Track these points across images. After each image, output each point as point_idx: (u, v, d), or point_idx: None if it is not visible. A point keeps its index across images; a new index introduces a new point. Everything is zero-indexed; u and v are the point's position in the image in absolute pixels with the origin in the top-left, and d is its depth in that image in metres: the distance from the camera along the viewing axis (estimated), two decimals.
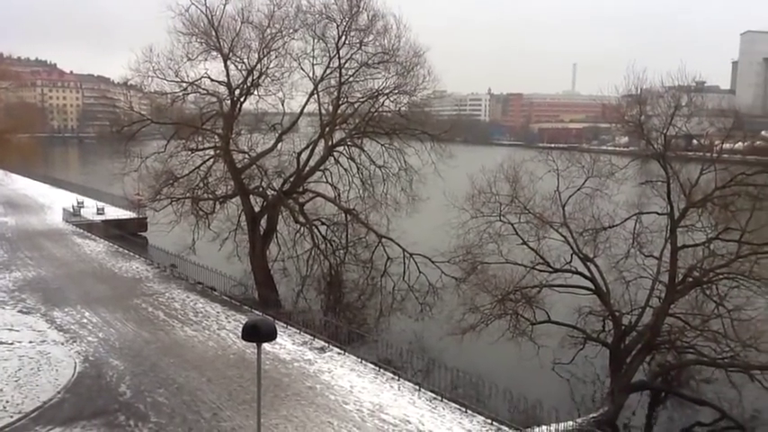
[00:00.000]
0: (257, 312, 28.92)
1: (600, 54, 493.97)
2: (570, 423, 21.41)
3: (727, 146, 26.80)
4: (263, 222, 38.82)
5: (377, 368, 23.44)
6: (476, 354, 27.54)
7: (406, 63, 37.05)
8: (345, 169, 39.65)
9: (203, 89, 37.70)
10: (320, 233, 39.03)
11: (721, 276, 24.41)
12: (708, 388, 25.63)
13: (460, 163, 39.12)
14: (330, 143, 38.34)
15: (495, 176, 28.46)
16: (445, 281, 32.21)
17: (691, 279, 24.75)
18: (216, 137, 38.12)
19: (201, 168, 38.35)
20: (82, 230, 49.60)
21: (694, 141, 33.22)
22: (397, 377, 22.69)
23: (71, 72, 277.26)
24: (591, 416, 23.15)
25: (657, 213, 26.25)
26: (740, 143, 30.74)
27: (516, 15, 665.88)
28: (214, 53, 36.57)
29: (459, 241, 28.53)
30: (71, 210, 56.83)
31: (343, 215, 38.61)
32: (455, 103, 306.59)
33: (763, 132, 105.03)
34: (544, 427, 20.28)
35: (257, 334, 11.27)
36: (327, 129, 38.00)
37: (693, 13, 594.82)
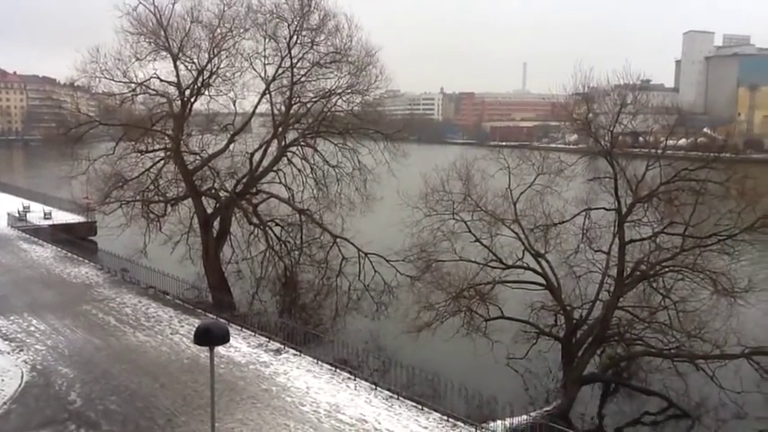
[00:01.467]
0: (211, 316, 28.54)
1: (549, 53, 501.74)
2: (524, 417, 21.75)
3: (671, 142, 27.61)
4: (216, 224, 38.38)
5: (333, 368, 23.40)
6: (431, 351, 27.74)
7: (359, 63, 37.06)
8: (299, 169, 39.45)
9: (153, 90, 37.07)
10: (274, 234, 38.77)
11: (667, 269, 25.18)
12: (656, 378, 26.33)
13: (414, 162, 39.37)
14: (283, 143, 38.12)
15: (448, 175, 28.72)
16: (400, 279, 32.36)
17: (638, 273, 25.45)
18: (166, 138, 37.51)
19: (152, 170, 37.71)
20: (28, 236, 48.14)
21: (640, 138, 34.14)
22: (353, 377, 22.69)
23: (14, 73, 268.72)
24: (545, 409, 23.62)
25: (605, 209, 26.89)
26: (684, 140, 31.68)
27: (466, 15, 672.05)
28: (163, 53, 35.99)
29: (413, 240, 28.72)
30: (16, 214, 55.12)
31: (298, 216, 38.42)
32: (408, 102, 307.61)
33: (705, 129, 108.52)
34: (499, 422, 20.58)
35: (210, 337, 11.17)
36: (280, 129, 37.78)
37: (639, 13, 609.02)
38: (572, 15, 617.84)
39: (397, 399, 21.14)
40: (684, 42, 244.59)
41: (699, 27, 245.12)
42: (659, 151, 26.63)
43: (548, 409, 23.68)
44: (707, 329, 24.15)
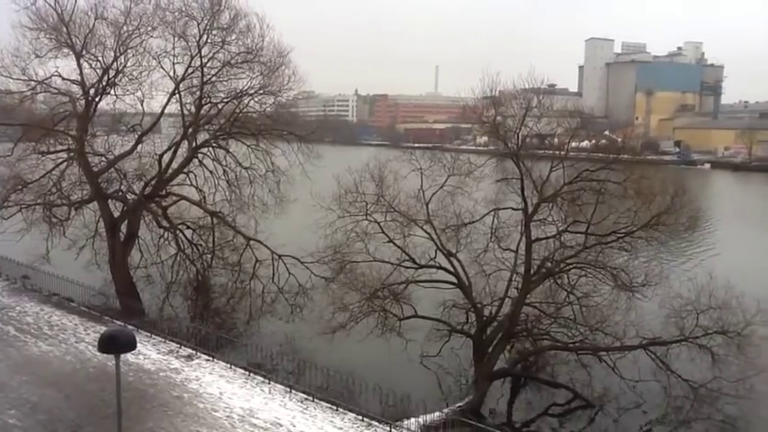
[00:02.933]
0: (118, 322, 27.63)
1: (459, 57, 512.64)
2: (437, 414, 22.22)
3: (574, 144, 28.84)
4: (124, 228, 37.09)
5: (247, 373, 23.16)
6: (347, 352, 27.90)
7: (271, 63, 36.69)
8: (211, 171, 38.66)
9: (54, 88, 35.35)
10: (185, 237, 37.84)
11: (571, 266, 26.28)
12: (562, 370, 27.47)
13: (328, 163, 39.39)
14: (194, 144, 37.24)
15: (362, 176, 28.94)
16: (315, 281, 32.28)
17: (544, 270, 26.44)
18: (69, 139, 35.93)
19: (54, 172, 35.99)
20: None
21: (546, 141, 35.43)
22: (267, 380, 22.55)
23: None
24: (457, 405, 24.17)
25: (513, 209, 27.73)
26: (586, 142, 33.15)
27: (381, 18, 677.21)
28: (65, 50, 34.41)
29: (327, 241, 28.75)
30: None
31: (210, 218, 37.64)
32: (322, 103, 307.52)
33: (606, 132, 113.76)
34: (413, 420, 20.95)
35: (115, 345, 10.88)
36: (190, 130, 36.90)
37: (543, 20, 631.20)
38: (481, 21, 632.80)
39: (313, 401, 21.18)
40: (586, 49, 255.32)
41: (598, 35, 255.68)
42: (563, 153, 27.69)
43: (460, 404, 24.25)
44: (608, 323, 25.38)
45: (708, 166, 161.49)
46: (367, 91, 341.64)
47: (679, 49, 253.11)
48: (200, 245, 38.38)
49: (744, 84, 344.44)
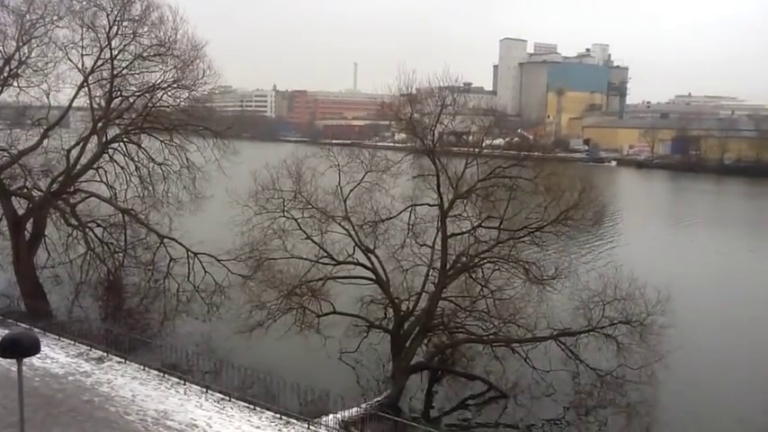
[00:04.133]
0: (23, 325, 26.40)
1: (378, 54, 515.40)
2: (356, 409, 22.39)
3: (490, 142, 29.58)
4: (29, 226, 35.40)
5: (161, 374, 22.66)
6: (265, 350, 27.66)
7: (185, 57, 35.80)
8: (122, 167, 37.40)
9: None
10: (95, 236, 36.43)
11: (485, 261, 26.98)
12: (477, 363, 28.14)
13: (245, 159, 38.82)
14: (104, 139, 35.95)
15: (279, 173, 28.68)
16: (232, 279, 31.77)
17: (459, 264, 27.02)
18: None
19: None
20: None
21: (463, 138, 36.13)
22: (183, 381, 22.14)
23: None
24: (375, 400, 24.40)
25: (429, 205, 28.19)
26: (500, 140, 34.03)
27: (300, 13, 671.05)
28: None
29: (244, 238, 28.37)
30: None
31: (121, 216, 36.42)
32: (240, 98, 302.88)
33: (519, 130, 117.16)
34: (331, 416, 21.05)
35: (17, 348, 10.41)
36: (100, 124, 35.56)
37: (462, 19, 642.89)
38: (399, 18, 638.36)
39: (230, 401, 20.95)
40: (501, 49, 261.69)
41: (511, 35, 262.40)
42: (477, 150, 28.32)
43: (378, 399, 24.49)
44: (521, 315, 26.21)
45: (614, 163, 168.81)
46: (286, 86, 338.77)
47: (587, 50, 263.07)
48: (112, 243, 37.05)
49: (647, 85, 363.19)
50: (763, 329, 34.82)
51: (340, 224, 27.96)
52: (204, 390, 21.44)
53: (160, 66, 35.97)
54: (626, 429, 24.71)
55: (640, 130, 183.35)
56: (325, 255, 27.39)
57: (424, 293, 27.46)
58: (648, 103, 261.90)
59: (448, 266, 26.74)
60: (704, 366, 28.84)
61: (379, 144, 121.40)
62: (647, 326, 24.41)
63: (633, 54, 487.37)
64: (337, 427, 20.69)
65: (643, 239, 63.21)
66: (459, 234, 27.62)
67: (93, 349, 24.49)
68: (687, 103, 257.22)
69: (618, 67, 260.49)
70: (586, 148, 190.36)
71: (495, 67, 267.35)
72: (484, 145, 29.02)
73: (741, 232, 73.51)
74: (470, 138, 31.36)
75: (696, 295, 38.20)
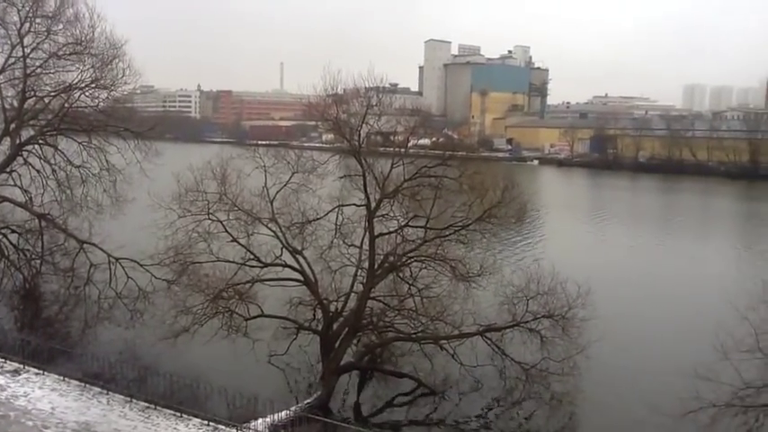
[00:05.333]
0: None
1: (305, 54, 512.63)
2: (285, 412, 22.24)
3: (417, 142, 29.87)
4: None
5: (82, 384, 21.91)
6: (191, 356, 27.18)
7: (103, 55, 34.89)
8: (38, 170, 36.06)
9: None
10: (10, 243, 35.01)
11: (412, 259, 27.29)
12: (407, 361, 28.40)
13: (168, 161, 38.04)
14: (18, 141, 34.53)
15: (203, 174, 28.18)
16: (156, 284, 31.01)
17: (387, 264, 27.22)
18: None
19: None
20: None
21: (391, 138, 36.36)
22: (105, 391, 21.46)
23: None
24: (305, 402, 24.28)
25: (356, 205, 28.24)
26: (426, 140, 34.41)
27: (224, 12, 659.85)
28: None
29: (167, 242, 27.64)
30: None
31: (37, 221, 35.03)
32: (162, 99, 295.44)
33: (444, 130, 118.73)
34: (260, 420, 20.85)
35: None
36: (13, 125, 34.20)
37: (389, 19, 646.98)
38: (326, 18, 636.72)
39: (155, 409, 20.48)
40: (426, 50, 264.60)
41: (436, 36, 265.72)
42: (403, 150, 28.56)
43: (308, 401, 24.38)
44: (448, 312, 26.60)
45: (536, 162, 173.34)
46: (210, 86, 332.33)
47: (510, 52, 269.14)
48: (28, 250, 35.74)
49: (566, 86, 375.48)
50: (671, 319, 36.49)
51: (267, 226, 27.71)
52: (128, 399, 20.85)
53: (77, 65, 35.02)
54: (550, 420, 25.47)
55: (560, 130, 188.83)
56: (252, 257, 27.11)
57: (352, 294, 27.53)
58: (568, 103, 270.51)
59: (376, 266, 26.89)
60: (622, 356, 30.00)
61: (306, 145, 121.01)
62: (569, 319, 25.22)
63: (553, 56, 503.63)
64: (266, 430, 20.53)
65: (563, 235, 65.27)
66: (387, 234, 27.82)
67: (7, 361, 23.43)
68: (604, 104, 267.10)
69: (539, 68, 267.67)
70: (509, 147, 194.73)
71: (421, 68, 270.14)
72: (410, 145, 29.28)
73: (652, 226, 76.89)
74: (397, 138, 31.60)
75: (612, 288, 39.65)
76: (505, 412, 26.14)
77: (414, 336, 27.16)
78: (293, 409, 22.94)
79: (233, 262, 26.91)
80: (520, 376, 26.04)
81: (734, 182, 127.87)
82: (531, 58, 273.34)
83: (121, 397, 21.09)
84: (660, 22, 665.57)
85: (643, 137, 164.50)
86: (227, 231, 27.30)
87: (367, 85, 29.36)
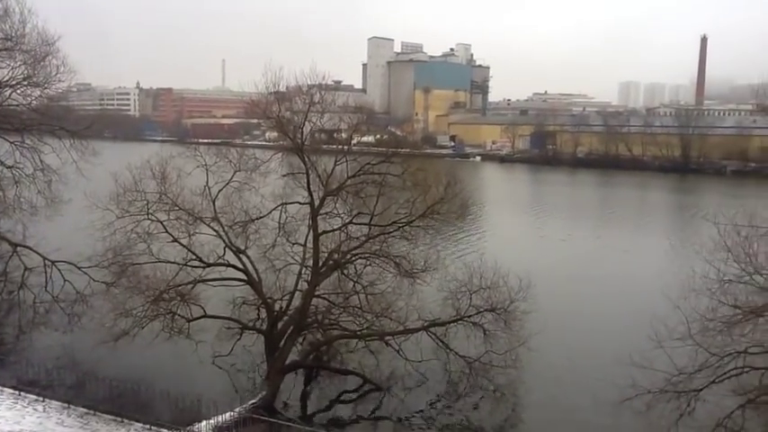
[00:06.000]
0: None
1: (247, 51, 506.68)
2: (230, 414, 22.02)
3: (361, 139, 29.94)
4: None
5: (17, 392, 21.25)
6: (133, 359, 26.66)
7: (35, 52, 33.73)
8: None
9: None
10: None
11: (357, 257, 27.37)
12: (352, 358, 28.47)
13: (106, 160, 37.17)
14: None
15: (142, 174, 27.58)
16: (94, 287, 30.20)
17: (332, 261, 27.21)
18: None
19: None
20: None
21: (335, 135, 36.30)
22: (41, 398, 20.83)
23: None
24: (250, 402, 24.04)
25: (300, 203, 28.16)
26: (370, 137, 34.49)
27: (162, 8, 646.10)
28: None
29: (105, 244, 27.00)
30: None
31: None
32: (99, 97, 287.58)
33: (389, 127, 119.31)
34: (204, 422, 20.61)
35: None
36: None
37: (332, 17, 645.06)
38: (268, 15, 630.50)
39: (95, 414, 20.00)
40: (369, 47, 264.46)
41: (379, 34, 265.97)
42: (346, 147, 28.57)
43: (253, 401, 24.16)
44: (393, 308, 26.84)
45: (479, 158, 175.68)
46: (150, 84, 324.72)
47: (452, 50, 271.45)
48: None
49: (507, 83, 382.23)
50: (608, 310, 37.58)
51: (209, 225, 27.36)
52: (66, 405, 20.33)
53: (7, 61, 33.81)
54: (494, 412, 25.96)
55: (502, 127, 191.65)
56: (194, 257, 26.73)
57: (297, 292, 27.46)
58: (509, 100, 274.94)
59: (320, 264, 26.86)
60: (562, 347, 30.76)
61: (249, 143, 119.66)
62: (511, 312, 25.73)
63: (494, 54, 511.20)
64: None
65: (505, 230, 66.41)
66: (331, 231, 27.84)
67: None
68: (544, 101, 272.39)
69: (480, 66, 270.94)
70: (453, 144, 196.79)
71: (365, 65, 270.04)
72: (354, 142, 29.31)
73: (590, 220, 78.93)
74: (341, 135, 31.59)
75: (552, 280, 40.55)
76: (450, 406, 26.43)
77: (359, 333, 27.24)
78: (237, 410, 22.72)
79: (174, 263, 26.46)
80: (464, 370, 26.41)
81: (667, 175, 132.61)
82: (472, 55, 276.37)
83: (59, 404, 20.55)
84: (597, 22, 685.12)
85: (581, 133, 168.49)
86: (167, 231, 26.83)
87: (309, 83, 29.28)
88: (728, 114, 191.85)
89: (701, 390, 19.80)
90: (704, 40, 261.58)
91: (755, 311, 19.05)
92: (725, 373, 19.54)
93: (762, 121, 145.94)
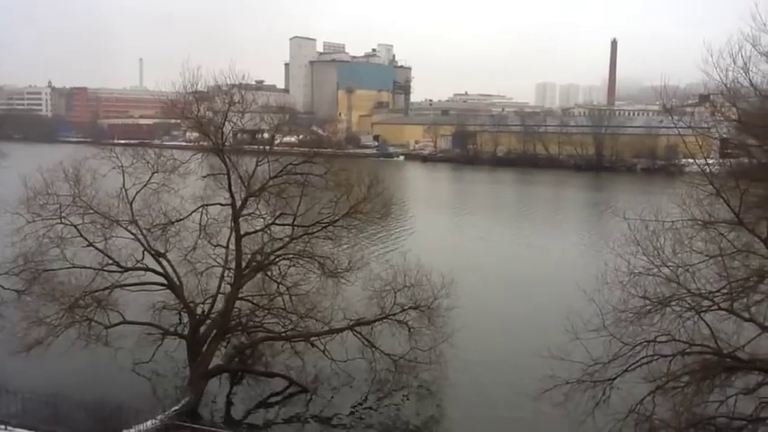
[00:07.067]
0: None
1: (166, 50, 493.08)
2: (151, 421, 21.49)
3: (286, 139, 29.71)
4: None
5: None
6: (48, 369, 25.62)
7: None
8: None
9: None
10: None
11: (280, 257, 27.19)
12: (278, 360, 28.24)
13: (16, 163, 35.55)
14: None
15: (54, 176, 26.47)
16: (4, 295, 28.60)
17: (255, 263, 26.95)
18: None
19: None
20: None
21: (258, 136, 35.88)
22: None
23: None
24: (173, 409, 23.51)
25: (221, 204, 27.72)
26: (294, 137, 34.30)
27: (75, 5, 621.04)
28: None
29: (15, 249, 25.74)
30: None
31: None
32: (8, 96, 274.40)
33: (313, 127, 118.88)
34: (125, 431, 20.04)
35: None
36: None
37: (253, 16, 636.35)
38: (187, 14, 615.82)
39: (6, 429, 19.07)
40: (291, 47, 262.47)
41: (301, 34, 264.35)
42: (268, 148, 28.31)
43: (176, 408, 23.62)
44: (318, 309, 26.79)
45: (402, 158, 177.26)
46: (63, 83, 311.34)
47: (374, 50, 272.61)
48: None
49: (428, 84, 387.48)
50: (528, 304, 38.70)
51: (126, 228, 26.57)
52: None
53: None
54: (419, 408, 26.36)
55: (424, 127, 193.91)
56: (111, 262, 25.87)
57: (220, 295, 27.03)
58: (431, 100, 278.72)
59: (243, 266, 26.56)
60: (483, 342, 31.45)
61: (168, 143, 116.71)
62: (435, 309, 26.17)
63: (415, 55, 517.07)
64: None
65: (428, 228, 67.28)
66: (254, 232, 27.55)
67: None
68: (464, 101, 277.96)
69: (402, 66, 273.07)
70: (376, 143, 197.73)
71: (287, 65, 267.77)
72: (277, 142, 29.06)
73: (509, 217, 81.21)
74: (264, 135, 31.29)
75: (473, 277, 41.37)
76: (376, 404, 26.62)
77: (284, 334, 27.08)
78: (160, 417, 22.18)
79: (90, 268, 25.53)
80: (389, 368, 26.63)
81: (582, 173, 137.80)
82: (394, 56, 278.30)
83: None
84: (515, 25, 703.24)
85: (500, 132, 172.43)
86: (82, 236, 25.82)
87: (229, 82, 28.84)
88: (638, 114, 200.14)
89: (615, 378, 20.66)
90: (614, 44, 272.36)
91: (663, 302, 20.02)
92: (636, 362, 20.42)
93: (667, 121, 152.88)
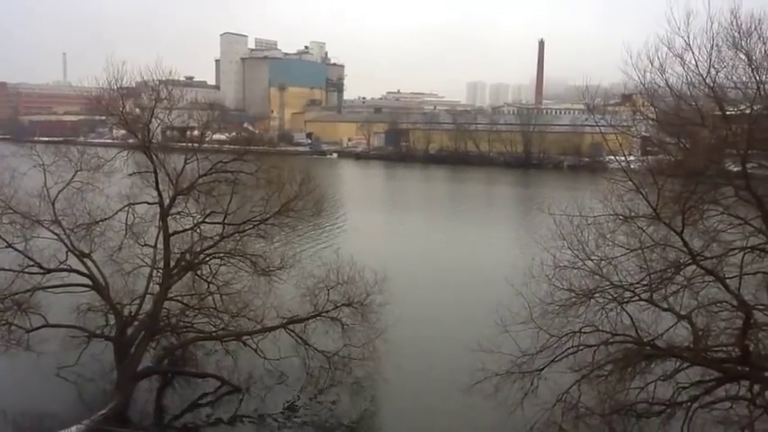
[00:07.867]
0: None
1: (91, 45, 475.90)
2: (76, 426, 20.89)
3: (216, 137, 29.20)
4: None
5: None
6: None
7: None
8: None
9: None
10: None
11: (211, 256, 26.78)
12: (209, 360, 27.90)
13: None
14: None
15: None
16: None
17: (184, 263, 26.44)
18: None
19: None
20: None
21: (188, 133, 35.14)
22: None
23: None
24: (100, 413, 22.91)
25: (148, 203, 27.11)
26: (225, 134, 33.77)
27: None
28: None
29: None
30: None
31: None
32: None
33: (245, 124, 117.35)
34: None
35: None
36: None
37: (182, 11, 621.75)
38: (112, 10, 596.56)
39: None
40: (222, 43, 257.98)
41: (232, 30, 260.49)
42: (197, 145, 27.81)
43: (103, 412, 23.00)
44: (250, 308, 26.54)
45: (335, 155, 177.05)
46: None
47: (306, 48, 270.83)
48: None
49: (361, 82, 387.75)
50: (458, 299, 39.31)
51: (48, 229, 25.70)
52: None
53: None
54: (353, 404, 26.42)
55: (357, 124, 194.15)
56: (32, 263, 24.92)
57: (148, 295, 26.42)
58: (364, 98, 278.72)
59: (172, 265, 26.04)
60: (416, 337, 31.81)
61: (94, 141, 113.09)
62: (368, 305, 26.28)
63: (348, 53, 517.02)
64: None
65: (361, 225, 67.41)
66: (182, 231, 27.03)
67: None
68: (397, 99, 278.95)
69: (335, 64, 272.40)
70: (309, 141, 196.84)
71: (218, 61, 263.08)
72: (208, 140, 28.58)
73: (440, 214, 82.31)
74: (194, 133, 30.68)
75: (405, 273, 41.65)
76: (310, 401, 26.57)
77: (215, 334, 26.74)
78: (85, 422, 21.60)
79: (9, 270, 24.52)
80: (323, 365, 26.65)
81: (511, 170, 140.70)
82: (327, 54, 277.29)
83: None
84: (445, 23, 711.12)
85: (432, 130, 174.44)
86: (0, 237, 24.80)
87: (156, 78, 28.16)
88: (564, 113, 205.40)
89: (543, 369, 21.28)
90: (542, 44, 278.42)
91: (587, 294, 20.70)
92: (563, 353, 21.07)
93: (591, 120, 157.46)
